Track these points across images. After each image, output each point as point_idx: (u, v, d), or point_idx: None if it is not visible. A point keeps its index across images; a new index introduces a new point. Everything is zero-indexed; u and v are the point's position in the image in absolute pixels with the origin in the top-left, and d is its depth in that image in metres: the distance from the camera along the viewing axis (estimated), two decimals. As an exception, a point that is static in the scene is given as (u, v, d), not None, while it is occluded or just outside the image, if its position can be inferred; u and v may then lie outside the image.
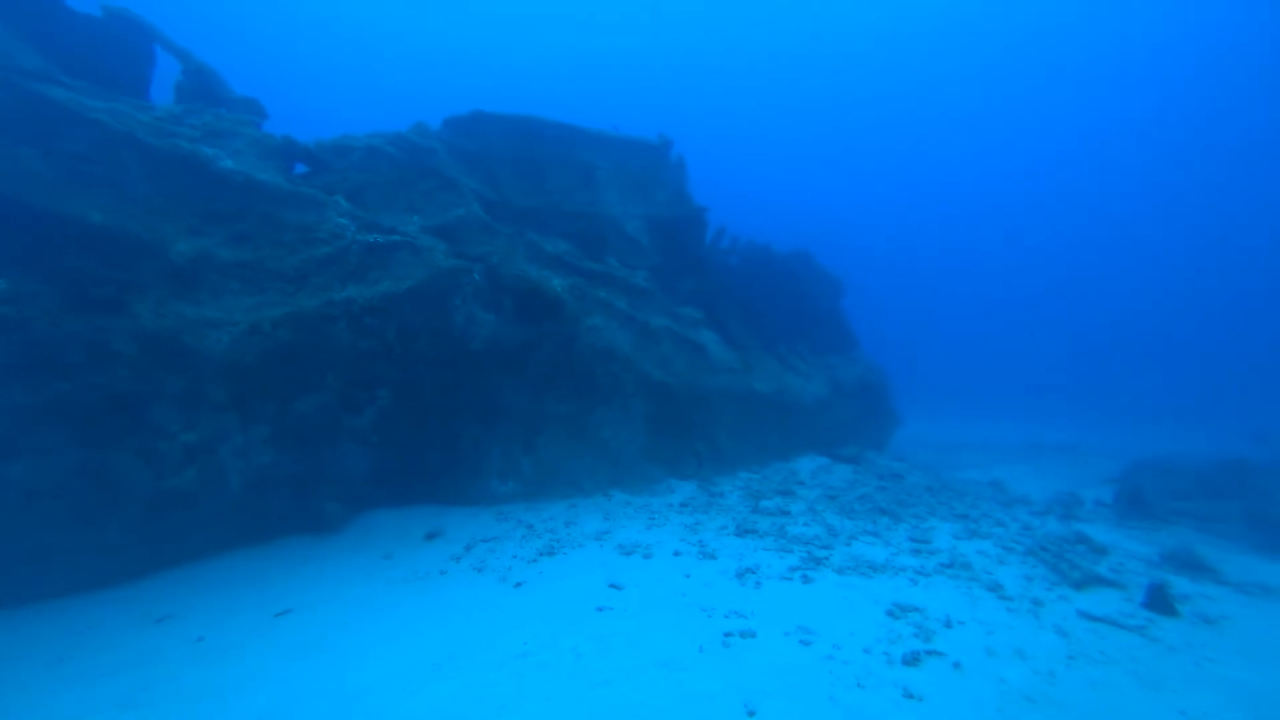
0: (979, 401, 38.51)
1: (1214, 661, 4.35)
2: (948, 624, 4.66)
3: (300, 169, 7.06)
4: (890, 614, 4.83)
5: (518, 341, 7.68)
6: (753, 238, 14.98)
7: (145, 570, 5.27)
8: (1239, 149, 70.38)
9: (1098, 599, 5.42)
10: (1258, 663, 4.38)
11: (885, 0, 76.40)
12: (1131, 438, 21.27)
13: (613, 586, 5.23)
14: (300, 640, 4.25)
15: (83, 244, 4.91)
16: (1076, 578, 5.76)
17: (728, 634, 4.36)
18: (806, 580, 5.50)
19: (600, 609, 4.77)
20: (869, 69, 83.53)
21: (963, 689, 3.72)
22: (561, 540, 6.45)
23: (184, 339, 4.99)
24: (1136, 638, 4.65)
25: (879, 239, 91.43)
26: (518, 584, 5.29)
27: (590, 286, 8.59)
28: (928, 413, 31.60)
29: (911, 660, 4.04)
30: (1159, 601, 5.23)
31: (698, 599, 5.01)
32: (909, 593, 5.32)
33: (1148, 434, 22.88)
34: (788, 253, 15.39)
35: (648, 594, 5.09)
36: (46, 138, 5.04)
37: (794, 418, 10.40)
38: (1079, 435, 23.52)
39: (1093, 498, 10.02)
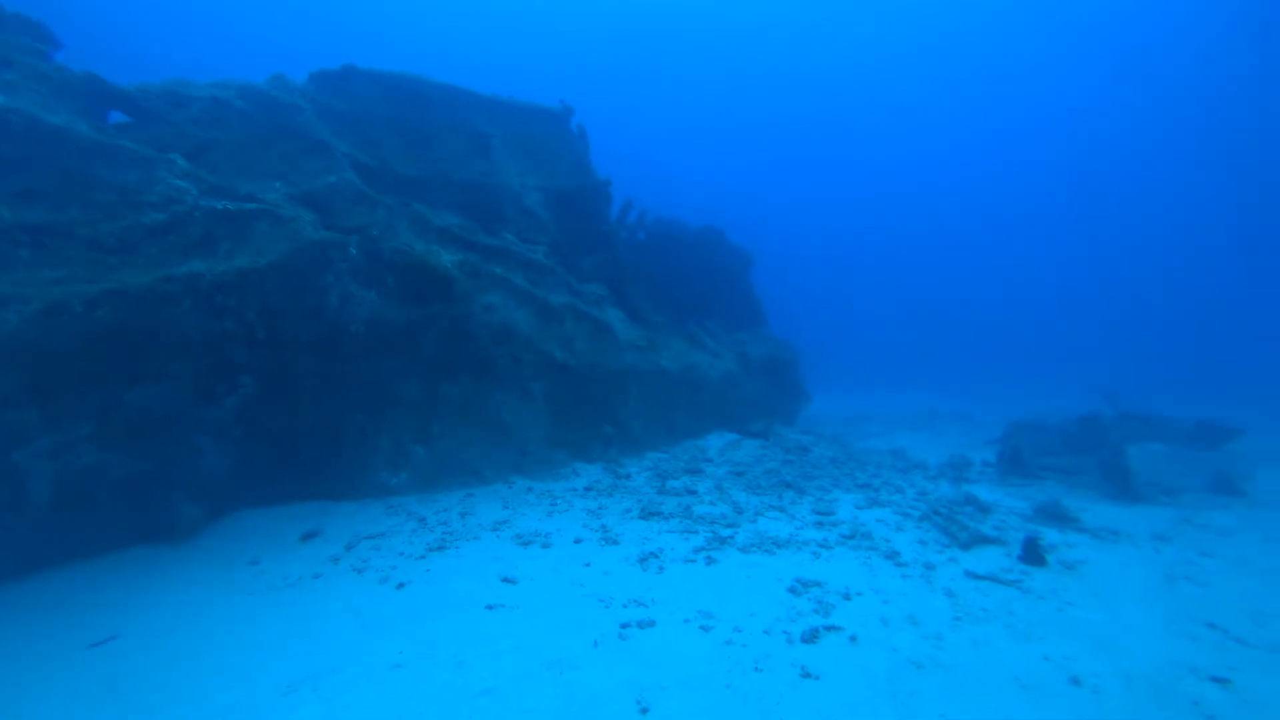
0: (884, 373, 40.72)
1: (1073, 605, 4.58)
2: (846, 596, 4.65)
3: (119, 119, 6.03)
4: (792, 590, 4.77)
5: (405, 322, 7.06)
6: (661, 213, 14.79)
7: (-68, 603, 4.37)
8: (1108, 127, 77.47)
9: (982, 557, 5.63)
10: (1106, 602, 4.66)
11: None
12: (1014, 402, 23.08)
13: (506, 581, 4.88)
14: (116, 675, 3.61)
15: None
16: (964, 539, 5.96)
17: (625, 625, 4.13)
18: (710, 561, 5.37)
19: (490, 607, 4.41)
20: (786, 47, 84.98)
21: (857, 662, 3.68)
22: (455, 533, 6.00)
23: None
24: (1013, 591, 4.83)
25: (790, 218, 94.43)
26: (400, 584, 4.82)
27: (485, 262, 8.04)
28: (838, 386, 33.03)
29: (810, 638, 3.96)
30: (1031, 554, 5.50)
31: (596, 589, 4.75)
32: (811, 567, 5.30)
33: (1027, 397, 24.93)
34: (697, 228, 15.34)
35: (543, 587, 4.77)
36: None
37: (703, 395, 10.34)
38: (970, 402, 25.30)
39: (980, 459, 10.63)
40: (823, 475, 8.37)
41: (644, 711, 3.17)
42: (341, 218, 6.68)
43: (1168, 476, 8.56)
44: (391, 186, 7.87)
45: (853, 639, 3.96)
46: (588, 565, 5.26)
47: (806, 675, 3.55)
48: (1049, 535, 6.31)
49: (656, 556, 5.46)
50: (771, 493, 7.52)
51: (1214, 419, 10.63)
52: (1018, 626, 4.22)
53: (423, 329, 7.20)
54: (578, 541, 5.83)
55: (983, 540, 5.98)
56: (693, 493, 7.40)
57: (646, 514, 6.54)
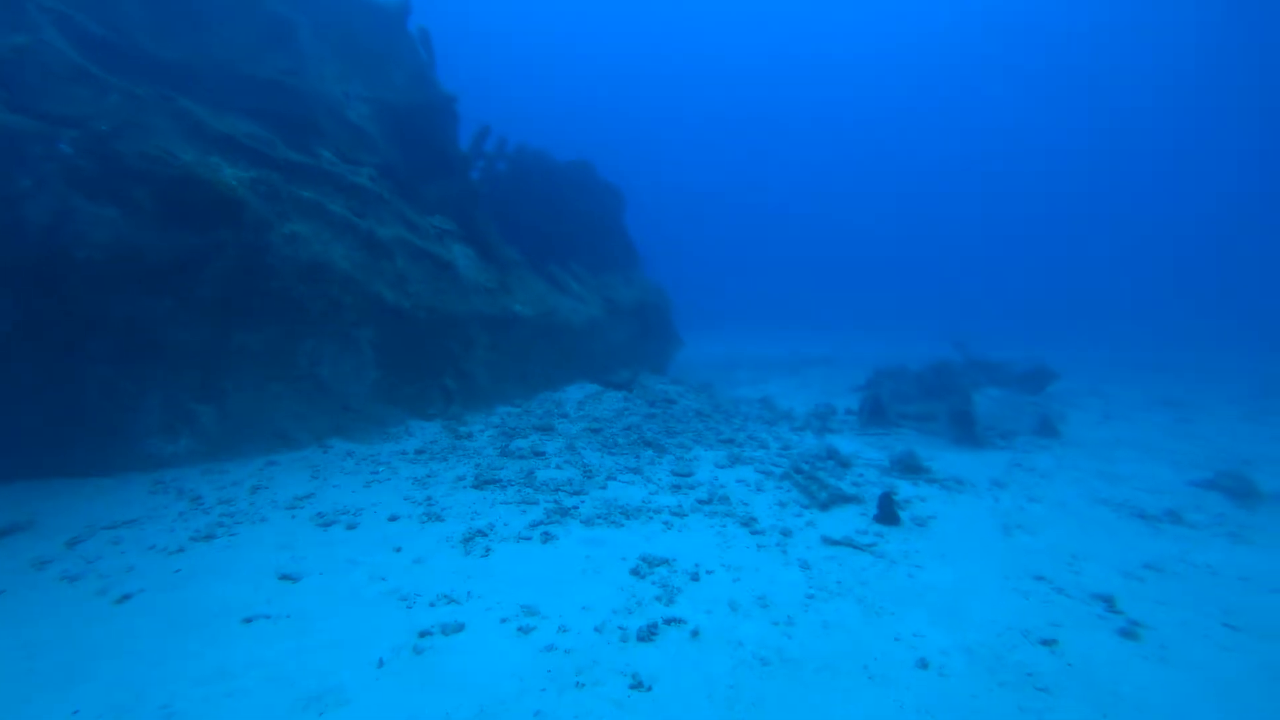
0: (761, 317, 42.12)
1: (921, 569, 4.42)
2: (695, 576, 4.16)
3: None
4: (636, 572, 4.20)
5: (174, 252, 5.50)
6: (526, 142, 13.38)
7: None
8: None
9: (840, 518, 5.42)
10: (952, 561, 4.58)
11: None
12: (881, 347, 24.55)
13: (285, 578, 3.89)
14: None
15: None
16: (824, 498, 5.73)
17: (425, 633, 3.34)
18: (547, 539, 4.68)
19: (249, 620, 3.42)
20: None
21: (697, 664, 3.16)
22: (238, 515, 4.85)
23: None
24: (867, 557, 4.60)
25: (673, 160, 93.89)
26: (125, 596, 3.67)
27: (289, 184, 6.52)
28: (715, 331, 33.59)
29: (648, 635, 3.39)
30: (886, 512, 5.35)
31: (401, 583, 3.90)
32: (661, 540, 4.77)
33: (893, 343, 26.67)
34: (567, 162, 14.11)
35: (332, 585, 3.84)
36: None
37: (564, 343, 9.51)
38: (839, 346, 26.62)
39: (843, 406, 10.80)
40: (686, 430, 7.94)
41: (418, 767, 2.42)
42: (45, 101, 4.92)
43: (1003, 420, 9.02)
44: (143, 71, 6.01)
45: (695, 634, 3.44)
46: (398, 550, 4.38)
47: (637, 686, 2.98)
48: (903, 489, 6.28)
49: (485, 535, 4.70)
50: (629, 452, 6.95)
51: (1040, 364, 11.52)
52: (870, 600, 3.93)
53: (202, 262, 5.67)
54: (393, 519, 4.91)
55: (841, 499, 5.78)
56: (540, 454, 6.65)
57: (481, 482, 5.71)
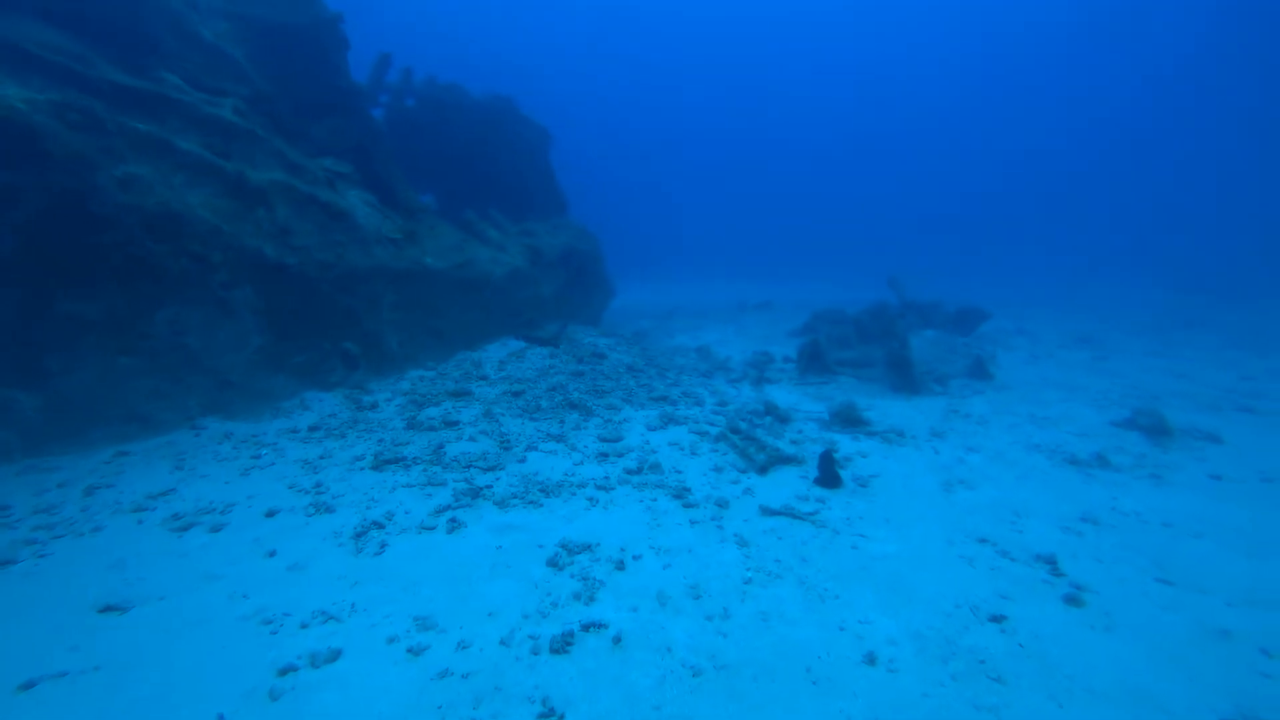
0: (700, 262, 41.61)
1: (866, 538, 4.14)
2: (620, 564, 3.70)
3: None
4: (554, 562, 3.71)
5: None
6: (436, 75, 11.98)
7: None
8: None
9: (779, 481, 5.08)
10: (897, 526, 4.33)
11: None
12: (819, 288, 24.55)
13: (108, 610, 3.17)
14: None
15: None
16: (761, 460, 5.36)
17: (288, 669, 2.76)
18: (454, 527, 4.11)
19: (29, 685, 2.65)
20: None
21: (617, 681, 2.72)
22: (60, 525, 4.02)
23: None
24: (808, 527, 4.27)
25: (611, 97, 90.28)
26: None
27: (118, 113, 5.34)
28: (653, 276, 32.94)
29: (562, 646, 2.92)
30: (827, 473, 5.05)
31: (268, 600, 3.26)
32: (584, 521, 4.29)
33: (831, 285, 26.76)
34: (484, 97, 12.79)
35: (172, 613, 3.16)
36: None
37: (484, 297, 8.70)
38: (777, 289, 26.52)
39: (782, 354, 10.53)
40: (616, 388, 7.42)
41: None
42: None
43: (939, 363, 8.93)
44: None
45: (617, 640, 2.99)
46: (272, 555, 3.72)
47: (547, 716, 2.50)
48: (843, 444, 6.01)
49: (381, 527, 4.08)
50: (552, 416, 6.38)
51: (972, 304, 11.54)
52: (812, 580, 3.59)
53: (-1, 212, 4.55)
54: (272, 515, 4.21)
55: (780, 460, 5.43)
56: (453, 424, 6.00)
57: (382, 462, 5.04)
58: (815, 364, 9.17)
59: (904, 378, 8.21)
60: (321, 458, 5.15)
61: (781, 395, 8.04)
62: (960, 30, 76.88)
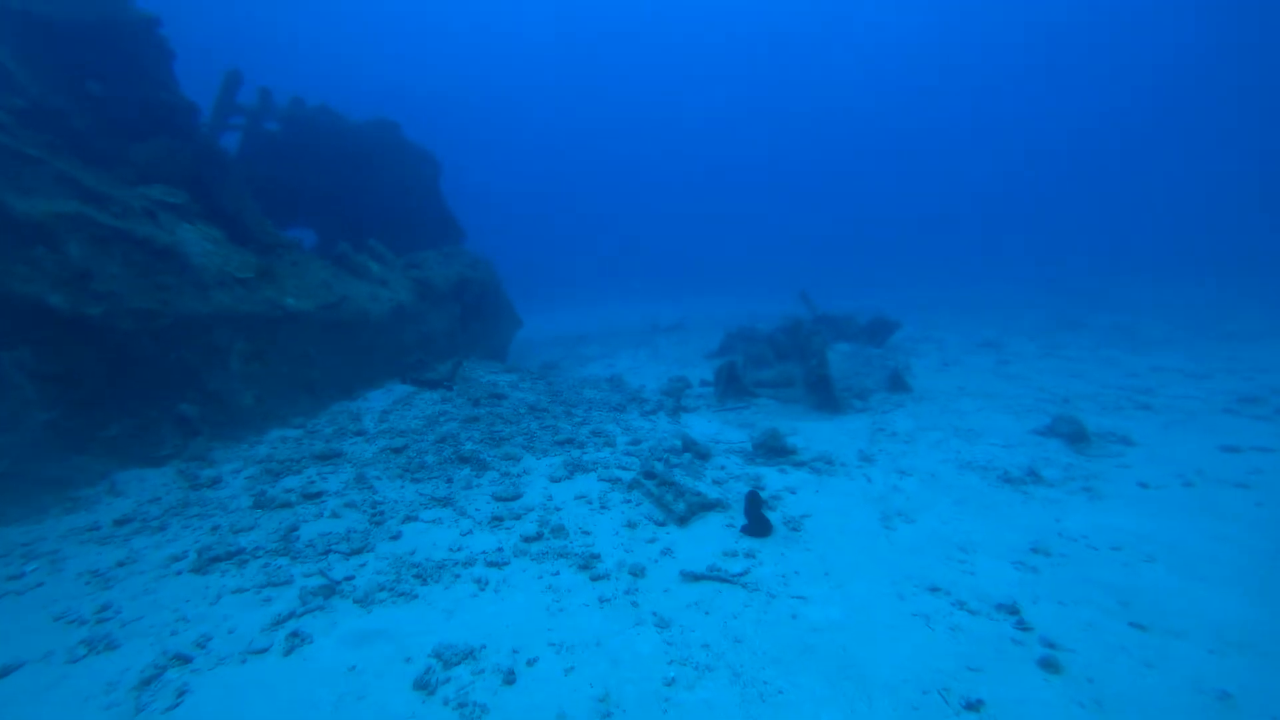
0: (612, 284, 41.13)
1: (805, 600, 3.54)
2: (510, 676, 2.89)
3: None
4: (423, 684, 2.84)
5: None
6: (302, 97, 10.79)
7: None
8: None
9: (702, 534, 4.41)
10: (837, 577, 3.78)
11: None
12: (730, 305, 24.47)
13: None
14: None
15: None
16: (681, 509, 4.68)
17: None
18: (295, 645, 3.15)
19: None
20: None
21: None
22: None
23: None
24: (739, 593, 3.61)
25: (516, 124, 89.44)
26: None
27: None
28: (565, 302, 32.12)
29: (410, 839, 2.04)
30: (755, 519, 4.44)
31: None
32: (468, 614, 3.44)
33: (742, 300, 26.81)
34: (365, 121, 11.69)
35: None
36: None
37: (362, 339, 7.61)
38: (688, 307, 26.30)
39: (698, 377, 10.01)
40: (516, 433, 6.56)
41: None
42: None
43: (856, 377, 8.67)
44: None
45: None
46: (3, 739, 2.61)
47: None
48: (770, 479, 5.45)
49: (186, 661, 3.05)
50: (439, 474, 5.45)
51: (882, 315, 11.55)
52: (749, 671, 2.91)
53: None
54: (10, 670, 3.04)
55: (703, 506, 4.77)
56: (315, 496, 4.95)
57: (209, 560, 3.94)
58: (733, 387, 8.69)
59: (825, 397, 7.84)
60: (121, 564, 3.97)
61: (700, 425, 7.46)
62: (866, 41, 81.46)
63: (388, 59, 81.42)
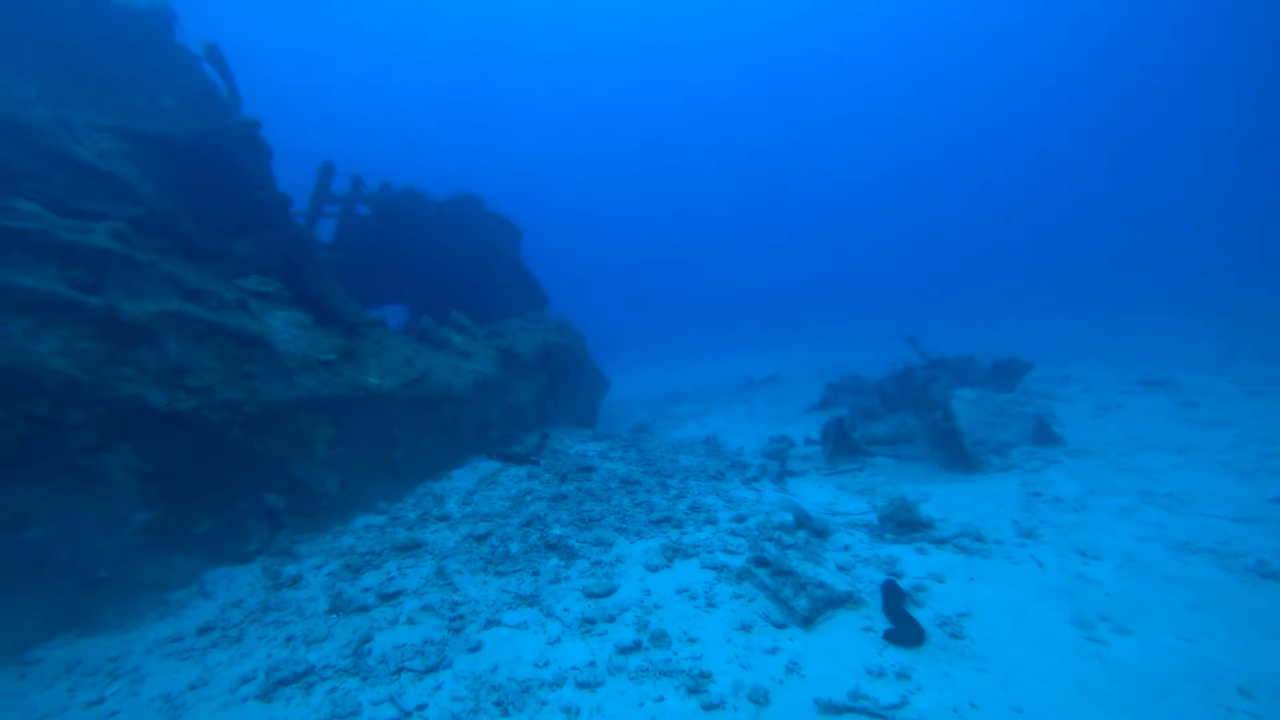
0: (698, 342, 40.52)
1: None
2: None
3: None
4: None
5: None
6: (390, 181, 11.33)
7: None
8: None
9: (835, 642, 3.57)
10: (1022, 695, 2.76)
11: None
12: (825, 354, 23.08)
13: None
14: None
15: None
16: (804, 608, 3.87)
17: None
18: (347, 814, 2.58)
19: None
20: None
21: None
22: None
23: None
24: (899, 736, 2.73)
25: (585, 194, 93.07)
26: None
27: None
28: (651, 361, 31.84)
29: None
30: (901, 622, 3.57)
31: None
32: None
33: (836, 348, 25.27)
34: (446, 199, 12.11)
35: None
36: None
37: (446, 414, 7.40)
38: (781, 360, 25.07)
39: (802, 435, 9.10)
40: (608, 512, 5.97)
41: None
42: None
43: (989, 429, 7.48)
44: None
45: None
46: None
47: None
48: (908, 563, 4.51)
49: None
50: (525, 566, 4.92)
51: (1008, 357, 10.18)
52: None
53: None
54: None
55: (830, 601, 3.93)
56: (392, 596, 4.54)
57: (276, 684, 3.55)
58: (844, 446, 7.73)
59: (955, 453, 6.76)
60: (194, 687, 3.65)
61: (812, 493, 6.57)
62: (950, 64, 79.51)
63: (464, 126, 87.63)
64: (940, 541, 4.83)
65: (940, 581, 4.20)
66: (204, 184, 6.66)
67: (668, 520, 5.76)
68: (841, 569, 4.53)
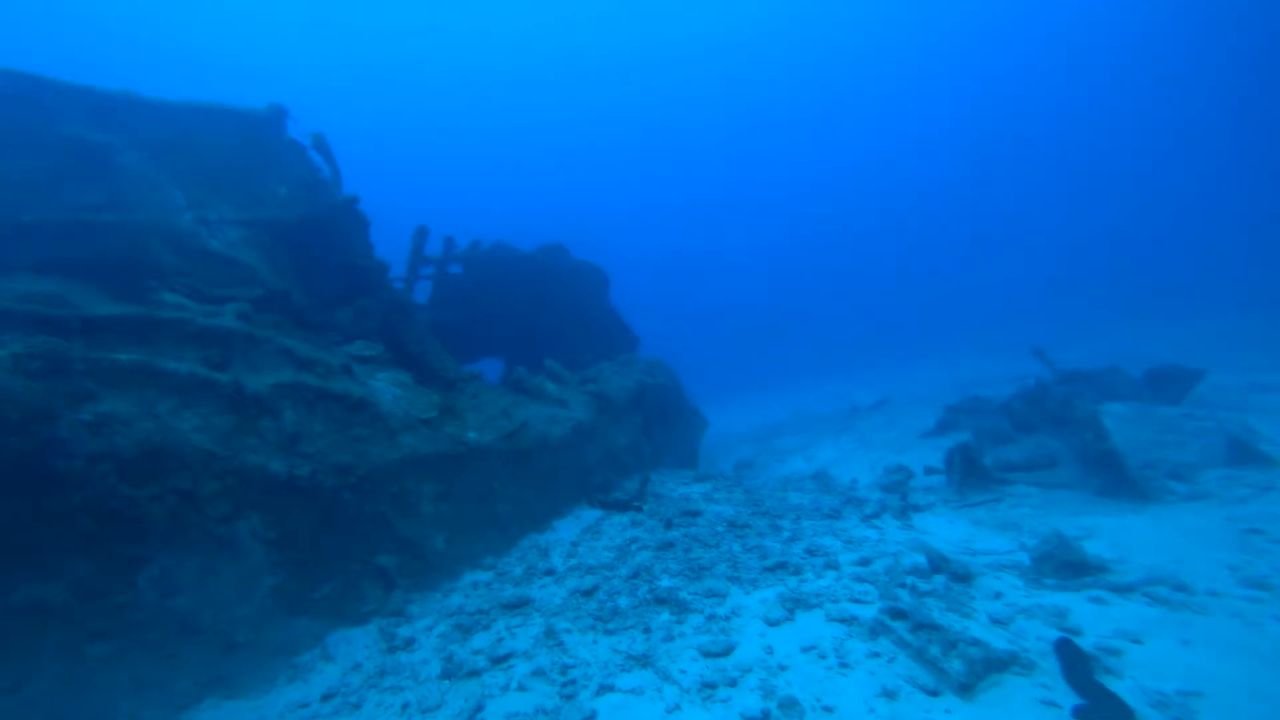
0: (793, 373, 39.22)
1: None
2: None
3: None
4: None
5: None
6: (480, 239, 11.86)
7: None
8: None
9: (1003, 714, 2.99)
10: None
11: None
12: (934, 376, 21.53)
13: None
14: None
15: None
16: (959, 671, 3.32)
17: None
18: None
19: None
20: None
21: None
22: None
23: None
24: None
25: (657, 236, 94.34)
26: None
27: (96, 348, 4.78)
28: (746, 396, 31.04)
29: None
30: (1098, 700, 2.96)
31: None
32: None
33: (944, 367, 23.57)
34: (533, 250, 12.51)
35: None
36: None
37: (544, 463, 7.37)
38: (889, 383, 23.56)
39: (920, 464, 8.34)
40: (718, 559, 5.61)
41: None
42: None
43: (1157, 450, 6.43)
44: None
45: None
46: None
47: None
48: (1081, 615, 3.83)
49: None
50: (635, 622, 4.65)
51: (1165, 364, 8.85)
52: None
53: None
54: None
55: (991, 665, 3.35)
56: (503, 660, 4.39)
57: (387, 764, 3.44)
58: (973, 474, 6.96)
59: (1115, 479, 5.88)
60: (316, 756, 3.65)
61: (943, 529, 5.89)
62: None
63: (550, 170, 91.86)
64: (1123, 589, 4.07)
65: (1138, 643, 3.48)
66: (311, 258, 7.19)
67: (783, 566, 5.31)
68: (997, 622, 3.91)
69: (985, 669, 3.34)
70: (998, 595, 4.29)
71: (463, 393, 7.38)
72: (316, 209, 7.13)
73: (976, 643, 3.50)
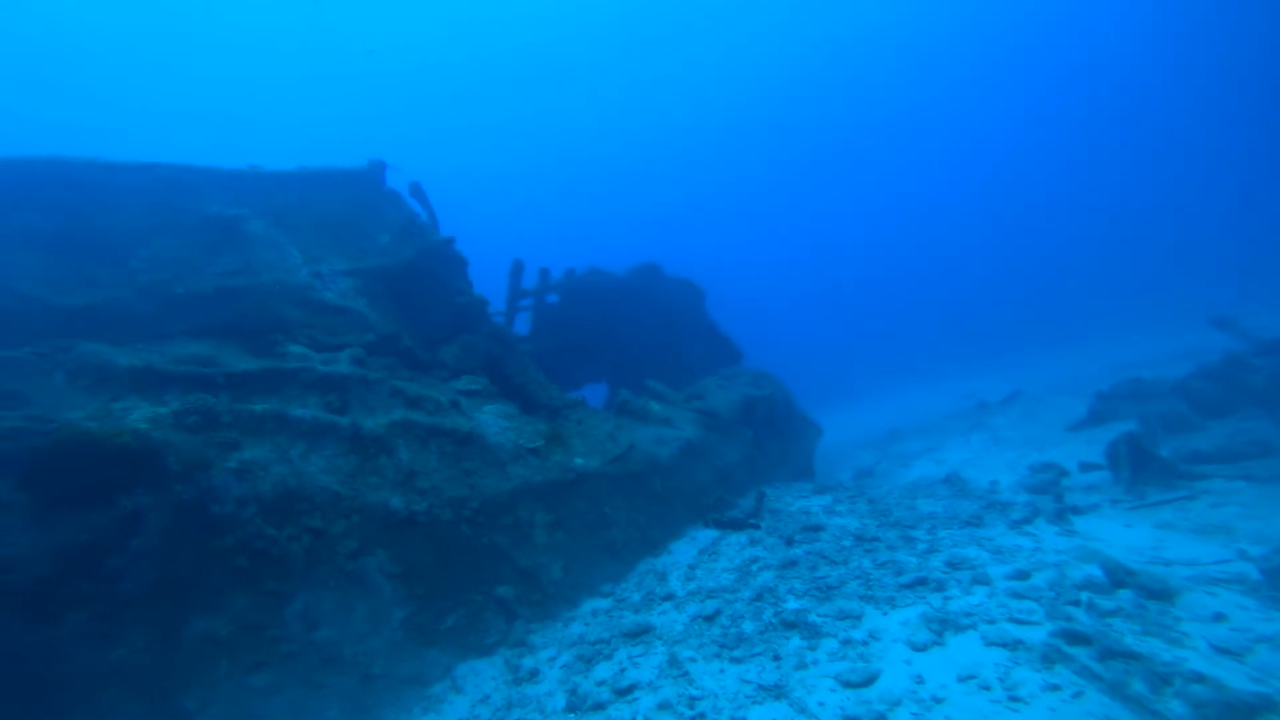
0: (909, 366, 36.83)
1: None
2: None
3: None
4: None
5: (66, 550, 4.12)
6: (574, 266, 12.09)
7: None
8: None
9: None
10: None
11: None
12: (1067, 363, 19.35)
13: None
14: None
15: None
16: (1184, 718, 2.71)
17: None
18: None
19: None
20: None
21: None
22: None
23: None
24: None
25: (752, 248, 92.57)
26: None
27: (238, 401, 5.22)
28: (858, 398, 29.45)
29: None
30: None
31: None
32: None
33: (1081, 355, 21.11)
34: (627, 272, 12.57)
35: None
36: None
37: (655, 485, 7.20)
38: (1018, 376, 21.44)
39: (1074, 461, 7.36)
40: (848, 577, 5.14)
41: None
42: None
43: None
44: (40, 325, 5.14)
45: None
46: None
47: None
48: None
49: None
50: (763, 648, 4.31)
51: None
52: None
53: (112, 547, 4.26)
54: None
55: (1230, 710, 2.75)
56: (627, 691, 4.21)
57: (518, 806, 3.33)
58: (1148, 468, 5.99)
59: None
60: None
61: (1117, 535, 5.06)
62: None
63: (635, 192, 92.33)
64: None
65: None
66: (415, 300, 7.57)
67: (923, 582, 4.76)
68: (1225, 652, 3.20)
69: (1221, 715, 2.70)
70: (1219, 617, 3.54)
71: (568, 420, 7.41)
72: (416, 253, 7.55)
73: (1202, 679, 2.87)
